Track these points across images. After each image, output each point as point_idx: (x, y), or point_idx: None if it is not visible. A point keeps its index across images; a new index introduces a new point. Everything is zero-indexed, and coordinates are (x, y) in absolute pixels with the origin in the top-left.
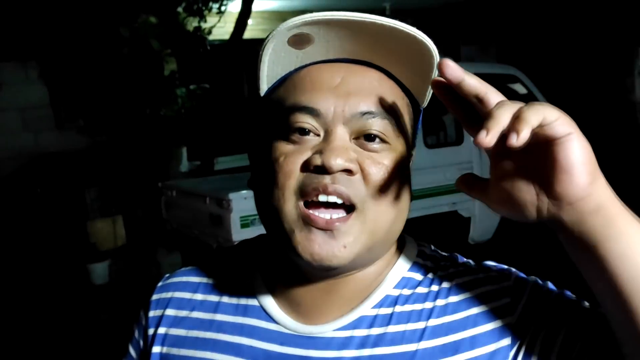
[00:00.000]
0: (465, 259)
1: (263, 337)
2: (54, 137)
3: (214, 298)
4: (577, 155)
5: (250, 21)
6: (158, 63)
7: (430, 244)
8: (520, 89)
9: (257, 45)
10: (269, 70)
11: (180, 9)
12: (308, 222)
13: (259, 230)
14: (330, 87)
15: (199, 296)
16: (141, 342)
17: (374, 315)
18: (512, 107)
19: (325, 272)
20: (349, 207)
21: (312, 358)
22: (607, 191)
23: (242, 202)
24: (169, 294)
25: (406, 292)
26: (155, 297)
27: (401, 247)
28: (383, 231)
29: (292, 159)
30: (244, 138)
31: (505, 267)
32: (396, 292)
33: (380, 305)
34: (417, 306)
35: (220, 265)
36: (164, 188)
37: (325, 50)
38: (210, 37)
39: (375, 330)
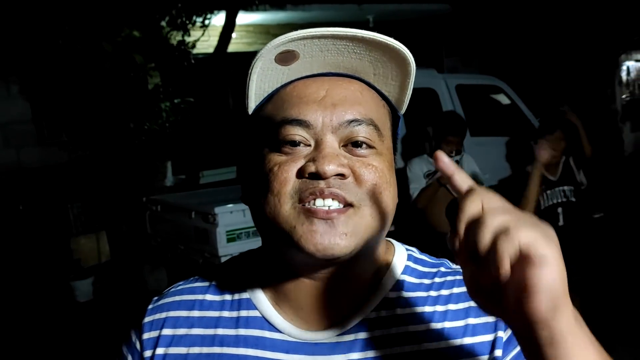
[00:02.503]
0: (456, 266)
1: (268, 346)
2: (36, 152)
3: (212, 314)
4: (544, 282)
5: (234, 34)
6: (142, 77)
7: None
8: (503, 99)
9: (242, 58)
10: (257, 88)
11: (164, 23)
12: (309, 215)
13: (245, 244)
14: (316, 100)
15: (196, 313)
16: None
17: (375, 318)
18: (488, 235)
19: (327, 264)
20: (345, 206)
21: None
22: (569, 322)
23: (228, 216)
24: (162, 314)
25: (404, 294)
26: (148, 319)
27: (390, 250)
28: (379, 226)
29: (286, 167)
30: (231, 153)
31: None
32: (394, 295)
33: (380, 308)
34: (418, 309)
35: (213, 281)
36: (149, 203)
37: (309, 65)
38: (195, 51)
39: (378, 333)
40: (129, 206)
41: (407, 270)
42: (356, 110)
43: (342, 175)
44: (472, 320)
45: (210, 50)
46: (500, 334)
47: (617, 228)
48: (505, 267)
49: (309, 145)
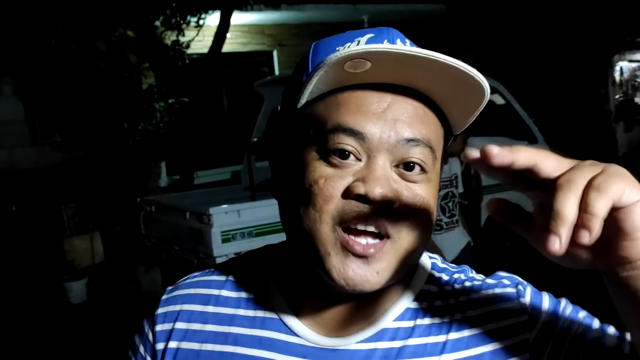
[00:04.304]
0: (476, 274)
1: (283, 350)
2: (29, 153)
3: (228, 310)
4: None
5: (228, 35)
6: (136, 77)
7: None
8: (498, 99)
9: (237, 58)
10: (314, 87)
11: (158, 23)
12: (345, 248)
13: (240, 244)
14: (376, 112)
15: (210, 308)
16: (148, 358)
17: (396, 328)
18: (575, 193)
19: (355, 294)
20: (382, 235)
21: None
22: None
23: (223, 217)
24: (177, 307)
25: (426, 305)
26: (161, 310)
27: None
28: (413, 258)
29: (332, 183)
30: (226, 154)
31: (521, 284)
32: (415, 305)
33: (401, 318)
34: (437, 320)
35: (230, 276)
36: (143, 203)
37: (377, 74)
38: (189, 51)
39: (397, 343)
40: (123, 207)
41: (431, 279)
42: (417, 129)
43: (389, 202)
44: (494, 325)
45: (205, 50)
46: (527, 335)
47: None
48: (602, 217)
49: (360, 160)
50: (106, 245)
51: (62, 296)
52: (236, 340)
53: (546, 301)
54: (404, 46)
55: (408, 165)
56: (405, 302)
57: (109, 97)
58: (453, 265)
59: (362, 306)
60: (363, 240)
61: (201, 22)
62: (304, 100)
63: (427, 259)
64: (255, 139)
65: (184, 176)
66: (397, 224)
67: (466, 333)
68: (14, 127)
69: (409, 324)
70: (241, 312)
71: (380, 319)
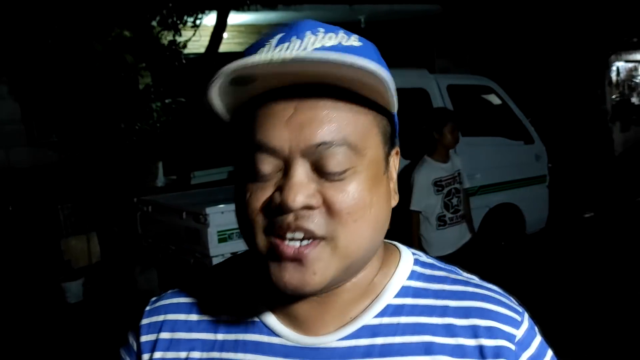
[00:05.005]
0: (468, 275)
1: (267, 351)
2: (26, 153)
3: (211, 317)
4: None
5: (225, 35)
6: (133, 77)
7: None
8: (494, 99)
9: (233, 58)
10: (219, 106)
11: (154, 23)
12: (278, 253)
13: (237, 244)
14: (283, 120)
15: (194, 316)
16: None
17: (377, 325)
18: None
19: (323, 293)
20: (315, 239)
21: None
22: None
23: (220, 217)
24: (160, 317)
25: (409, 301)
26: (145, 321)
27: (394, 255)
28: (359, 252)
29: (256, 196)
30: (223, 154)
31: (519, 308)
32: (398, 301)
33: (382, 314)
34: (423, 319)
35: (211, 283)
36: (140, 203)
37: (274, 80)
38: (186, 51)
39: (380, 340)
40: (120, 207)
41: (413, 275)
42: (326, 131)
43: (310, 207)
44: (485, 342)
45: (202, 50)
46: None
47: (608, 227)
48: None
49: (281, 170)
50: (103, 245)
51: (59, 296)
52: (222, 346)
53: (536, 342)
54: (273, 53)
55: (325, 171)
56: (386, 299)
57: (106, 97)
58: (440, 262)
59: (339, 303)
60: (295, 244)
61: (198, 22)
62: (224, 117)
63: (409, 255)
64: None
65: (181, 176)
66: (326, 225)
67: (451, 341)
68: (11, 126)
69: (392, 320)
70: (224, 317)
71: (360, 316)
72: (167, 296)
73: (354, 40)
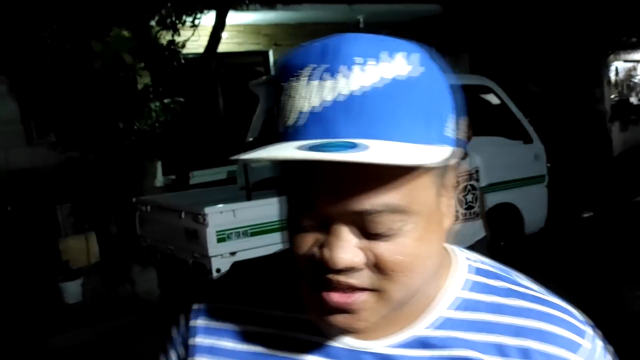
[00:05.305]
0: (526, 284)
1: (313, 351)
2: (24, 153)
3: (261, 311)
4: None
5: (224, 34)
6: (131, 77)
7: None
8: (493, 99)
9: (232, 58)
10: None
11: (153, 23)
12: (324, 301)
13: (235, 244)
14: (324, 178)
15: (245, 308)
16: (181, 349)
17: (427, 336)
18: None
19: None
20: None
21: None
22: None
23: (218, 217)
24: (211, 304)
25: (461, 314)
26: (196, 306)
27: (446, 260)
28: (408, 298)
29: (303, 241)
30: (221, 154)
31: (584, 327)
32: (450, 314)
33: (433, 326)
34: (474, 335)
35: (267, 275)
36: (138, 203)
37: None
38: (184, 51)
39: (428, 352)
40: (119, 207)
41: (467, 284)
42: (371, 197)
43: (354, 268)
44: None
45: (201, 50)
46: None
47: (606, 227)
48: None
49: (324, 223)
50: (101, 245)
51: (57, 296)
52: (270, 340)
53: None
54: (304, 153)
55: (372, 232)
56: (438, 310)
57: (105, 97)
58: (496, 266)
59: (392, 312)
60: (338, 295)
61: (197, 21)
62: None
63: (463, 261)
64: (251, 139)
65: (180, 176)
66: (374, 279)
67: None
68: (9, 127)
69: (442, 333)
70: (274, 312)
71: (411, 326)
72: (221, 282)
73: (402, 64)
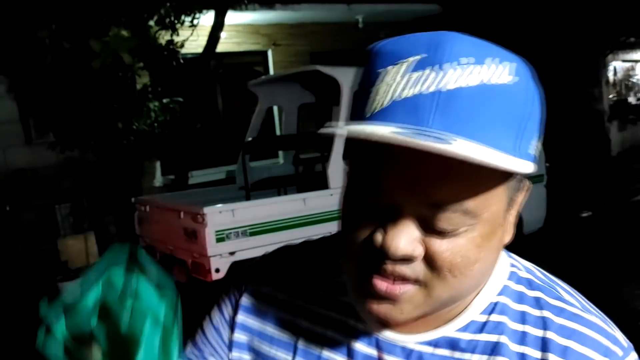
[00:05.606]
0: (568, 299)
1: (350, 334)
2: (23, 152)
3: (311, 287)
4: None
5: (223, 34)
6: (130, 77)
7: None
8: None
9: (231, 58)
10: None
11: (152, 22)
12: (372, 288)
13: (234, 244)
14: (399, 164)
15: (295, 282)
16: (231, 312)
17: (457, 339)
18: None
19: None
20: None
21: None
22: None
23: (217, 216)
24: (267, 271)
25: (494, 318)
26: (253, 270)
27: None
28: (452, 301)
29: (363, 225)
30: (220, 153)
31: (625, 343)
32: (483, 318)
33: (464, 329)
34: (503, 340)
35: (318, 255)
36: (137, 203)
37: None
38: (183, 51)
39: (457, 354)
40: (117, 207)
41: (505, 291)
42: (442, 193)
43: (411, 258)
44: None
45: (199, 50)
46: None
47: (605, 227)
48: None
49: (389, 209)
50: (100, 245)
51: (56, 296)
52: (313, 316)
53: None
54: (398, 132)
55: (435, 228)
56: (470, 314)
57: (103, 97)
58: (542, 276)
59: (431, 312)
60: (389, 280)
61: (195, 21)
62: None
63: (506, 267)
64: (250, 139)
65: (179, 176)
66: (425, 273)
67: None
68: (8, 126)
69: (472, 336)
70: (322, 292)
71: (443, 327)
72: (278, 254)
73: (506, 73)
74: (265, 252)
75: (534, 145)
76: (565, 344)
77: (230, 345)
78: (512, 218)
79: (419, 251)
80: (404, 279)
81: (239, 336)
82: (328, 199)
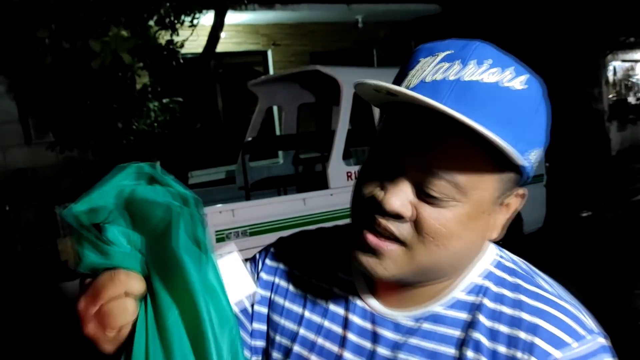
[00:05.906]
0: (547, 287)
1: (349, 308)
2: (22, 152)
3: (325, 265)
4: None
5: (223, 34)
6: (130, 77)
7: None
8: None
9: (231, 58)
10: (367, 98)
11: (152, 22)
12: (363, 238)
13: (234, 244)
14: (409, 134)
15: (310, 259)
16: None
17: (442, 315)
18: None
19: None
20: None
21: (383, 337)
22: None
23: (217, 217)
24: (288, 250)
25: (473, 298)
26: (274, 249)
27: (479, 255)
28: (432, 268)
29: (370, 183)
30: (220, 153)
31: (583, 332)
32: (466, 298)
33: (449, 307)
34: (483, 320)
35: (333, 240)
36: None
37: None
38: (183, 51)
39: (442, 329)
40: None
41: (488, 276)
42: (444, 165)
43: (401, 217)
44: (519, 355)
45: (199, 50)
46: None
47: (605, 226)
48: None
49: (394, 172)
50: None
51: (56, 296)
52: (318, 290)
53: None
54: (411, 93)
55: (427, 192)
56: (455, 293)
57: (103, 97)
58: (526, 268)
59: (415, 288)
60: (377, 238)
61: (195, 21)
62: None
63: (492, 255)
64: (250, 139)
65: (178, 176)
66: (411, 236)
67: (490, 345)
68: (7, 126)
69: (454, 313)
70: (327, 270)
71: (429, 303)
72: (293, 239)
73: (519, 81)
74: (281, 236)
75: (534, 154)
76: (535, 322)
77: (252, 318)
78: (502, 218)
79: (408, 211)
80: (392, 238)
81: (259, 308)
82: (328, 199)
